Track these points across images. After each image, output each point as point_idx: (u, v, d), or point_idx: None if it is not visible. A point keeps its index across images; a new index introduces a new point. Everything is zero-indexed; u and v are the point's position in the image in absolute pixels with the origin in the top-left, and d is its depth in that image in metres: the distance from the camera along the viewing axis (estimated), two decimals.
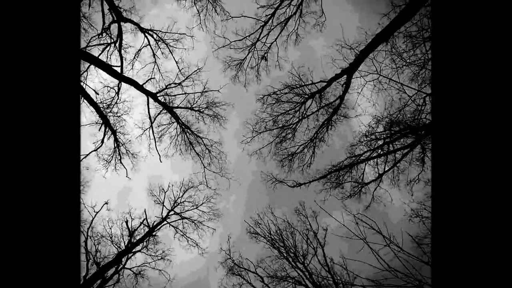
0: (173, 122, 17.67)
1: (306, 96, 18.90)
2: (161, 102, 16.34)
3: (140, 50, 18.55)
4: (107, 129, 15.90)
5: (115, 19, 15.35)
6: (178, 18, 19.82)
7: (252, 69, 21.12)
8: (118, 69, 15.31)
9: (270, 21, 18.67)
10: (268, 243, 19.85)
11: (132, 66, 18.95)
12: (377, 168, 16.85)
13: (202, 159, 17.24)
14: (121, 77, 15.34)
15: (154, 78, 16.20)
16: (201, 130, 20.00)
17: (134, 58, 18.63)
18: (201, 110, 19.27)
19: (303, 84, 18.29)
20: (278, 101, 20.71)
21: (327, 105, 17.23)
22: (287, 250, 19.16)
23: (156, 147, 17.00)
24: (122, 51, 16.11)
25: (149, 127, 16.70)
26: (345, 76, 14.97)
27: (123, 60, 16.27)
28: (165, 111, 16.70)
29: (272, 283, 18.69)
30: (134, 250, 16.34)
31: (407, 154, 15.35)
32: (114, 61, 16.30)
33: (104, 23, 14.91)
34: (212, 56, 20.32)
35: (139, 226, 17.23)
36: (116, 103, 17.61)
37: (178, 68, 19.37)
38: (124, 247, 16.44)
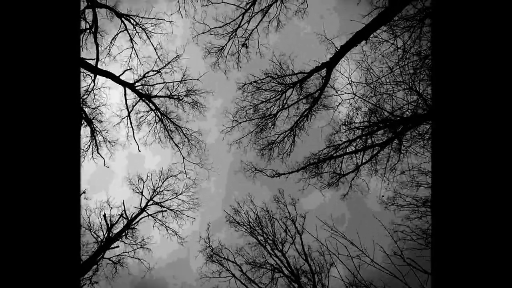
0: (152, 110, 17.34)
1: (287, 85, 18.81)
2: (139, 92, 15.95)
3: (116, 35, 17.96)
4: (82, 121, 15.47)
5: (89, 4, 14.72)
6: (157, 1, 19.12)
7: (232, 56, 20.81)
8: (93, 62, 14.78)
9: (251, 8, 18.27)
10: (247, 231, 20.06)
11: (109, 52, 18.38)
12: (355, 159, 17.06)
13: (180, 150, 17.09)
14: (96, 70, 14.83)
15: (131, 69, 15.75)
16: (180, 118, 19.74)
17: (111, 43, 18.06)
18: (180, 98, 18.96)
19: (283, 74, 18.13)
20: (258, 89, 20.58)
21: (307, 96, 17.17)
22: (265, 238, 19.43)
23: (134, 137, 16.74)
24: (98, 37, 15.54)
25: (127, 117, 16.37)
26: (325, 69, 14.89)
27: (99, 47, 15.72)
28: (144, 100, 16.34)
29: (251, 270, 19.01)
30: (112, 246, 16.24)
31: (385, 147, 15.56)
32: (90, 48, 15.74)
33: None
34: (192, 42, 19.85)
35: (118, 219, 17.08)
36: (92, 90, 17.12)
37: (157, 54, 18.91)
38: (102, 239, 16.33)
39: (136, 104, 16.54)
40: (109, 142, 18.25)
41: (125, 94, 15.68)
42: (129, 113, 16.07)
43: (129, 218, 16.97)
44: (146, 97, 16.29)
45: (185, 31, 20.42)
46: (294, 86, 18.49)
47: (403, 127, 14.14)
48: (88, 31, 15.45)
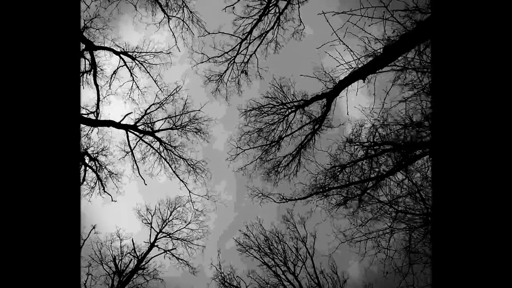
0: (153, 147, 17.50)
1: (289, 109, 18.81)
2: (141, 131, 16.09)
3: (115, 71, 18.10)
4: (86, 168, 15.66)
5: (86, 48, 14.83)
6: (154, 32, 19.17)
7: (232, 82, 20.84)
8: (94, 108, 14.94)
9: (249, 36, 18.29)
10: (257, 256, 20.14)
11: (110, 86, 18.53)
12: (362, 184, 17.00)
13: (186, 185, 17.20)
14: (95, 123, 15.00)
15: (131, 113, 15.89)
16: (185, 144, 19.86)
17: (111, 78, 18.20)
18: (183, 127, 19.09)
19: (285, 102, 18.18)
20: (261, 114, 20.60)
21: (309, 122, 17.17)
22: (276, 263, 19.48)
23: (139, 172, 16.88)
24: (98, 79, 15.69)
25: (130, 154, 16.49)
26: (325, 99, 14.89)
27: (99, 89, 15.86)
28: (143, 140, 16.50)
29: None
30: None
31: (390, 175, 15.50)
32: (89, 90, 15.88)
33: None
34: (192, 71, 19.90)
35: (129, 263, 17.25)
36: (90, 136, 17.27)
37: (157, 85, 19.03)
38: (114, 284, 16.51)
39: (138, 142, 16.68)
40: (115, 175, 18.42)
41: (127, 137, 15.84)
42: (132, 152, 16.21)
43: (139, 258, 17.14)
44: (148, 133, 16.43)
45: (184, 59, 20.43)
46: (296, 109, 18.50)
47: (407, 150, 14.07)
48: (87, 73, 15.59)
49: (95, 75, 15.61)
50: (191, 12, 19.17)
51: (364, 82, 11.51)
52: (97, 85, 15.80)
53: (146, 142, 16.26)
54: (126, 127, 15.61)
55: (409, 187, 15.29)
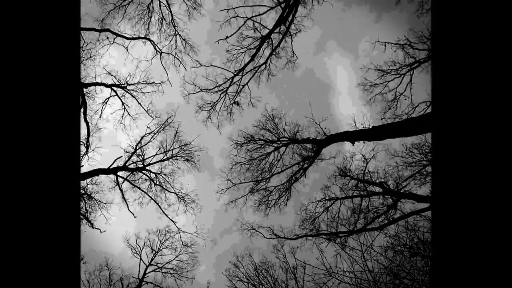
0: (146, 179, 17.41)
1: (281, 143, 18.80)
2: (132, 169, 15.99)
3: (106, 101, 17.96)
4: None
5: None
6: (144, 59, 19.01)
7: (224, 111, 20.75)
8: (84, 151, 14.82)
9: (241, 72, 18.21)
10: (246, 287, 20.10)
11: (101, 115, 18.38)
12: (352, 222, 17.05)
13: (175, 223, 17.15)
14: (83, 176, 14.86)
15: (120, 157, 15.78)
16: (175, 172, 19.79)
17: (102, 108, 18.06)
18: (174, 156, 19.05)
19: (275, 138, 18.15)
20: (252, 141, 20.57)
21: (299, 162, 17.14)
22: None
23: (128, 209, 16.78)
24: (88, 117, 15.53)
25: (120, 195, 16.39)
26: (315, 145, 14.90)
27: (89, 125, 15.71)
28: (136, 173, 16.41)
29: None
30: None
31: (382, 215, 15.54)
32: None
33: None
34: (183, 100, 19.78)
35: None
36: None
37: (149, 115, 18.93)
38: None
39: (127, 178, 16.57)
40: (104, 204, 18.29)
41: (116, 180, 15.72)
42: (122, 193, 16.11)
43: None
44: (139, 169, 16.34)
45: (176, 87, 20.32)
46: (287, 145, 18.48)
47: (397, 197, 14.13)
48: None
49: (85, 112, 15.49)
50: (183, 39, 19.03)
51: (352, 145, 11.55)
52: (87, 122, 15.68)
53: (135, 186, 16.19)
54: (115, 171, 15.53)
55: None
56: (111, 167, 15.30)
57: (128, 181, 15.99)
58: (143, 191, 16.40)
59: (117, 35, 14.85)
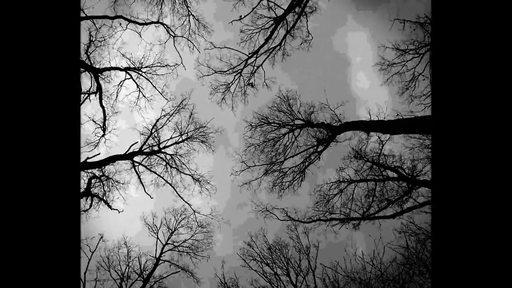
0: (161, 162, 17.68)
1: (295, 125, 18.69)
2: (147, 153, 16.20)
3: (121, 84, 18.06)
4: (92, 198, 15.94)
5: (92, 72, 14.76)
6: (158, 43, 18.88)
7: (239, 92, 20.63)
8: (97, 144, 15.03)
9: (255, 55, 17.94)
10: (260, 268, 20.59)
11: (116, 98, 18.55)
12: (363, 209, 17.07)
13: (190, 205, 17.47)
14: (100, 164, 15.08)
15: (136, 142, 15.94)
16: (190, 153, 20.03)
17: (118, 90, 18.19)
18: (190, 138, 19.23)
19: (289, 120, 18.04)
20: (268, 124, 20.51)
21: (313, 146, 17.06)
22: (278, 277, 19.91)
23: (145, 191, 17.14)
24: (104, 102, 15.69)
25: (137, 178, 16.71)
26: (330, 131, 14.76)
27: (105, 110, 15.89)
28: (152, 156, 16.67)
29: None
30: None
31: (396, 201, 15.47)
32: (95, 111, 15.95)
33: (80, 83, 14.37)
34: (198, 82, 19.71)
35: (134, 282, 17.83)
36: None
37: (164, 97, 19.01)
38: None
39: (143, 159, 16.84)
40: (122, 185, 18.72)
41: (133, 165, 15.96)
42: (139, 178, 16.40)
43: (144, 278, 17.67)
44: (154, 153, 16.55)
45: (190, 70, 20.22)
46: (301, 128, 18.36)
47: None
48: (94, 94, 15.60)
49: (100, 97, 15.62)
50: (197, 20, 18.77)
51: (367, 135, 11.38)
52: (103, 107, 15.85)
53: (151, 170, 16.48)
54: (131, 156, 15.76)
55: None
56: (127, 153, 15.58)
57: (143, 166, 16.30)
58: (158, 175, 16.71)
59: (129, 21, 14.74)
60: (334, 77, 25.13)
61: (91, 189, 15.59)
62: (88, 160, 14.44)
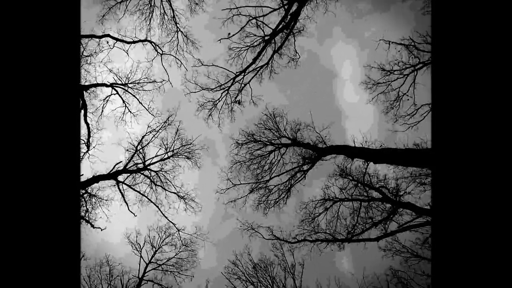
0: (145, 179, 17.47)
1: (281, 144, 18.76)
2: (132, 171, 16.01)
3: (107, 98, 17.86)
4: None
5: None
6: (145, 61, 18.78)
7: (226, 109, 20.63)
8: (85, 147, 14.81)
9: (242, 74, 18.02)
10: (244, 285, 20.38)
11: (101, 113, 18.32)
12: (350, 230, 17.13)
13: (175, 225, 17.29)
14: (83, 185, 14.84)
15: (120, 162, 15.75)
16: (176, 169, 19.86)
17: (103, 106, 17.99)
18: (175, 154, 19.09)
19: (275, 139, 18.10)
20: (254, 141, 20.53)
21: (299, 166, 17.12)
22: None
23: (129, 209, 16.88)
24: (88, 118, 15.45)
25: (121, 198, 16.47)
26: (316, 152, 14.86)
27: (90, 127, 15.65)
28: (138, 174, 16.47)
29: None
30: None
31: (381, 223, 15.57)
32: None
33: None
34: (185, 98, 19.65)
35: None
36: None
37: (150, 113, 18.87)
38: None
39: (125, 183, 16.62)
40: (105, 201, 18.40)
41: (117, 186, 15.73)
42: (124, 199, 16.17)
43: None
44: (139, 171, 16.37)
45: (177, 86, 20.12)
46: (288, 146, 18.43)
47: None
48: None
49: (85, 114, 15.42)
50: (185, 36, 18.79)
51: (351, 160, 11.50)
52: (87, 123, 15.62)
53: (135, 190, 16.27)
54: (116, 176, 15.54)
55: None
56: (111, 172, 15.35)
57: (127, 185, 16.06)
58: (142, 194, 16.50)
59: (117, 40, 14.65)
60: (322, 89, 25.40)
61: None
62: None
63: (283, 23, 16.03)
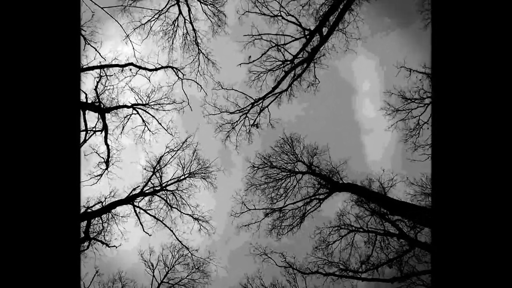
0: (162, 202, 17.65)
1: (296, 172, 18.74)
2: (148, 193, 16.22)
3: (127, 118, 18.18)
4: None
5: (98, 112, 14.93)
6: (166, 85, 19.04)
7: (244, 132, 20.70)
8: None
9: (261, 100, 18.11)
10: None
11: (122, 131, 18.64)
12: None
13: (189, 249, 17.38)
14: (101, 212, 15.11)
15: (136, 187, 16.00)
16: (192, 188, 20.00)
17: (123, 125, 18.31)
18: (192, 175, 19.26)
19: (291, 167, 18.06)
20: (270, 166, 20.54)
21: (314, 195, 17.01)
22: None
23: (144, 230, 17.06)
24: (108, 141, 15.77)
25: (137, 220, 16.66)
26: (330, 185, 14.77)
27: (110, 149, 15.96)
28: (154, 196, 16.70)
29: None
30: None
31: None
32: (99, 143, 16.05)
33: (86, 125, 14.49)
34: (203, 119, 19.82)
35: None
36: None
37: (169, 133, 19.11)
38: None
39: (141, 208, 16.80)
40: (122, 218, 18.62)
41: (135, 211, 15.95)
42: (139, 219, 16.35)
43: None
44: (155, 193, 16.55)
45: (196, 107, 20.28)
46: (303, 174, 18.39)
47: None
48: (98, 132, 15.70)
49: (106, 136, 15.71)
50: (206, 57, 18.98)
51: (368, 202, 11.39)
52: (107, 145, 15.92)
53: (151, 215, 16.46)
54: (132, 199, 15.76)
55: None
56: (128, 196, 15.57)
57: (143, 210, 16.26)
58: (157, 219, 16.65)
59: (139, 67, 14.94)
60: (340, 109, 25.18)
61: (90, 232, 15.53)
62: (88, 211, 14.44)
63: (303, 52, 16.05)
